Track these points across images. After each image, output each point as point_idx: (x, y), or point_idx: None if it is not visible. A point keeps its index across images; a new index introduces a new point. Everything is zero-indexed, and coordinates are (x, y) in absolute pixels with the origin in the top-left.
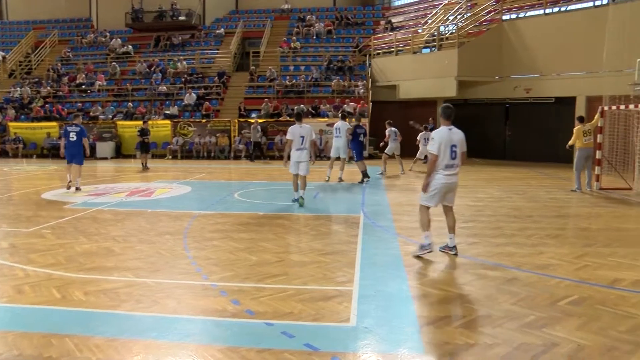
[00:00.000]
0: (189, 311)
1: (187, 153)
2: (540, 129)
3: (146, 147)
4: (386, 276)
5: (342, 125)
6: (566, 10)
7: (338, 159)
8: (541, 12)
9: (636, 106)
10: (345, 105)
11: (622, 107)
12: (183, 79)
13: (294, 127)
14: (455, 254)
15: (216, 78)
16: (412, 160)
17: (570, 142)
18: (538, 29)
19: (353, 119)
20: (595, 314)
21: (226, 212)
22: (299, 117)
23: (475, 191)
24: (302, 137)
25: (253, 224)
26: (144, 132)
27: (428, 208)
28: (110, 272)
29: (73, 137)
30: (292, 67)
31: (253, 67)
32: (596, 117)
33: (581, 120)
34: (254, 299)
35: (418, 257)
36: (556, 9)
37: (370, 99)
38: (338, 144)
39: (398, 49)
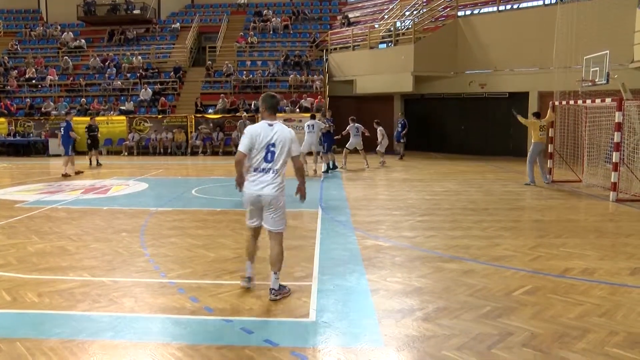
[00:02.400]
0: (146, 309)
1: (144, 149)
2: (495, 123)
3: (95, 144)
4: (345, 270)
5: (315, 123)
6: (518, 8)
7: (310, 154)
8: (495, 9)
9: (584, 102)
10: (302, 100)
11: (572, 102)
12: (138, 74)
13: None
14: (274, 298)
15: (172, 73)
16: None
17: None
18: (492, 26)
19: (318, 114)
20: (548, 302)
21: (184, 208)
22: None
23: (432, 185)
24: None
25: (211, 220)
26: (91, 129)
27: (251, 230)
28: (65, 271)
29: (61, 131)
30: (249, 62)
31: (209, 62)
32: (549, 112)
33: (537, 115)
34: (213, 296)
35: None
36: (509, 7)
37: (327, 94)
38: (311, 139)
39: (355, 44)
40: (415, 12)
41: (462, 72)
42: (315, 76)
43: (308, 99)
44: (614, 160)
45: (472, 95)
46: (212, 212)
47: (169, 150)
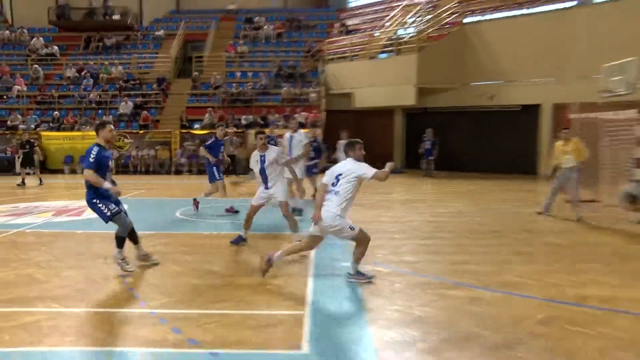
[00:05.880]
0: (123, 343)
1: (123, 167)
2: (507, 139)
3: (30, 161)
4: (341, 295)
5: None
6: (531, 13)
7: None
8: (505, 14)
9: (604, 114)
10: (296, 115)
11: (592, 115)
12: (118, 86)
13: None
14: None
15: (155, 85)
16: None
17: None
18: (502, 33)
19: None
20: (564, 334)
21: (167, 232)
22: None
23: (435, 206)
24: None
25: (197, 245)
26: (22, 145)
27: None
28: (32, 303)
29: None
30: (238, 74)
31: (196, 73)
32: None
33: None
34: (198, 327)
35: None
36: (521, 12)
37: (323, 107)
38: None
39: (353, 54)
40: (418, 20)
41: (469, 83)
42: (310, 89)
43: (302, 113)
44: (636, 178)
45: (480, 109)
46: (197, 235)
47: (151, 169)
